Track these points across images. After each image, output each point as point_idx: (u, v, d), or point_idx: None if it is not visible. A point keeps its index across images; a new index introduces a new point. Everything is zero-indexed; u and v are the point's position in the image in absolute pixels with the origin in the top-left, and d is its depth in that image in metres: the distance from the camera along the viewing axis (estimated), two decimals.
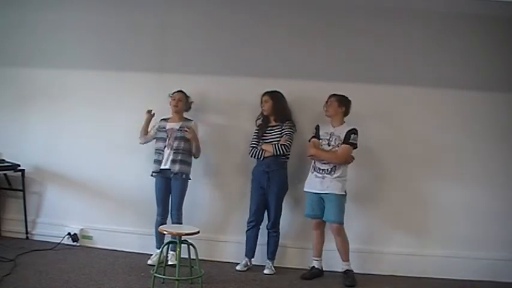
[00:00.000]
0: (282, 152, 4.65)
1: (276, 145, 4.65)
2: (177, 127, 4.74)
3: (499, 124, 4.91)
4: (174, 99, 4.75)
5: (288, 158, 4.75)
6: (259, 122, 4.85)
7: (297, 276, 4.61)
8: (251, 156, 4.76)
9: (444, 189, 4.91)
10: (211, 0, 5.09)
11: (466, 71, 4.90)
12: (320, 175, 4.54)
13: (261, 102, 4.78)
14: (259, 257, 4.84)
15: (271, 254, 4.76)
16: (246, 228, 4.80)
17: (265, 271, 4.69)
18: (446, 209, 4.90)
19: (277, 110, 4.74)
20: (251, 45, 5.06)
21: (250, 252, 4.80)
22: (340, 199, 4.52)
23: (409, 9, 4.89)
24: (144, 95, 5.11)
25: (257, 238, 4.80)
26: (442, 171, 4.93)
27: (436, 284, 4.71)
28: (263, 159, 4.69)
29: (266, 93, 4.77)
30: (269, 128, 4.78)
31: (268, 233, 4.77)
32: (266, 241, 4.79)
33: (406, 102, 4.94)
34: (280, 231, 4.85)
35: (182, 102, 4.78)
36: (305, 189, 4.66)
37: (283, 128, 4.71)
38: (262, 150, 4.70)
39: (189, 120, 4.83)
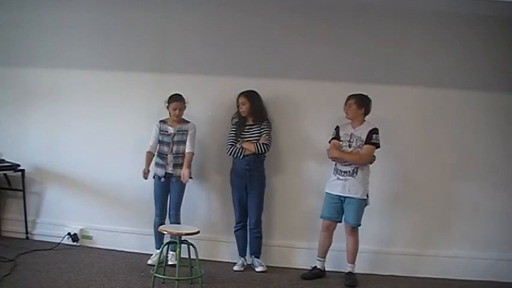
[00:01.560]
0: (264, 150, 4.69)
1: (258, 144, 4.67)
2: (176, 131, 4.74)
3: (498, 122, 4.91)
4: (174, 110, 4.69)
5: (265, 156, 4.79)
6: (235, 120, 4.85)
7: (297, 276, 4.61)
8: (229, 154, 4.75)
9: (444, 189, 4.92)
10: (211, 0, 5.09)
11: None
12: (343, 177, 4.49)
13: (237, 102, 4.78)
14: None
15: (257, 253, 4.79)
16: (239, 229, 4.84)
17: (258, 269, 4.71)
18: (446, 209, 4.90)
19: (255, 111, 4.77)
20: (251, 45, 5.05)
21: (243, 251, 4.84)
22: (361, 203, 4.49)
23: (410, 10, 4.89)
24: (145, 95, 5.11)
25: (246, 236, 4.84)
26: (442, 171, 4.93)
27: (436, 284, 4.72)
28: (243, 157, 4.70)
29: (242, 94, 4.77)
30: (247, 127, 4.79)
31: (252, 232, 4.78)
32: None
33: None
34: (282, 231, 4.91)
35: (182, 110, 4.76)
36: (327, 191, 4.61)
37: (262, 127, 4.75)
38: (243, 148, 4.70)
39: (187, 122, 4.81)
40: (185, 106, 4.79)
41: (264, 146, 4.69)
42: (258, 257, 4.79)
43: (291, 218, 5.00)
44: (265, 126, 4.76)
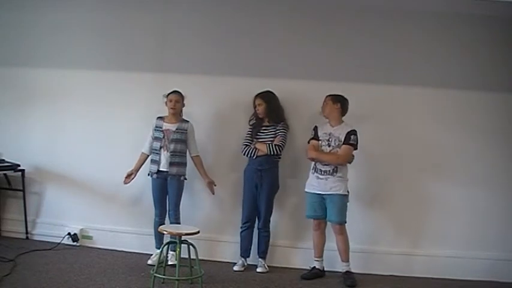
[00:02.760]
0: (276, 152, 4.68)
1: (270, 145, 4.67)
2: (174, 129, 4.72)
3: (499, 124, 4.90)
4: (171, 101, 4.72)
5: (280, 157, 4.78)
6: (253, 121, 4.87)
7: (297, 276, 4.61)
8: (244, 154, 4.77)
9: (444, 189, 4.91)
10: (211, 0, 5.09)
11: (465, 71, 4.90)
12: (322, 176, 4.53)
13: (254, 104, 4.79)
14: (255, 256, 4.86)
15: (263, 253, 4.79)
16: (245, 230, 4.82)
17: (258, 269, 4.71)
18: (446, 209, 4.90)
19: (271, 112, 4.77)
20: (251, 44, 5.05)
21: (246, 252, 4.83)
22: (343, 199, 4.52)
23: (410, 10, 4.90)
24: (145, 95, 5.11)
25: (252, 238, 4.83)
26: (442, 171, 4.93)
27: (436, 284, 4.72)
28: (256, 157, 4.70)
29: (258, 96, 4.78)
30: (263, 128, 4.80)
31: (259, 232, 4.79)
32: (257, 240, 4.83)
33: (407, 103, 4.93)
34: (281, 230, 4.91)
35: (179, 103, 4.76)
36: (306, 190, 4.64)
37: (277, 128, 4.75)
38: (256, 148, 4.71)
39: (186, 121, 4.81)
40: (183, 103, 4.79)
41: (276, 147, 4.68)
42: (264, 258, 4.78)
43: (292, 218, 4.99)
44: (281, 128, 4.75)
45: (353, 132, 4.54)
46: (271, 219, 4.81)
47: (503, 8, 4.53)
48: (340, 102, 4.59)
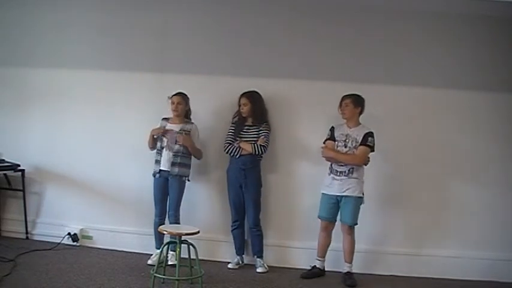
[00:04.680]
0: (261, 152, 4.71)
1: (255, 145, 4.69)
2: (177, 129, 4.73)
3: (498, 122, 4.91)
4: (173, 103, 4.73)
5: (262, 157, 4.80)
6: (235, 119, 4.87)
7: (297, 276, 4.62)
8: (226, 152, 4.78)
9: (444, 190, 4.92)
10: (212, 0, 5.09)
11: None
12: (338, 177, 4.52)
13: (239, 102, 4.80)
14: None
15: (260, 252, 4.81)
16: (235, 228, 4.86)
17: (258, 270, 4.72)
18: (446, 209, 4.91)
19: (256, 113, 4.79)
20: (251, 44, 5.05)
21: (240, 250, 4.86)
22: (358, 201, 4.53)
23: (410, 10, 4.90)
24: (145, 95, 5.11)
25: (244, 234, 4.87)
26: (442, 172, 4.92)
27: (436, 284, 4.72)
28: (239, 156, 4.72)
29: (244, 95, 4.79)
30: (246, 127, 4.82)
31: (251, 232, 4.82)
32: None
33: (406, 103, 4.93)
34: (280, 231, 4.92)
35: (182, 105, 4.75)
36: (323, 192, 4.62)
37: (261, 129, 4.77)
38: (240, 148, 4.72)
39: (190, 122, 4.81)
40: (188, 106, 4.78)
41: (261, 147, 4.70)
42: (261, 257, 4.79)
43: (289, 217, 5.00)
44: (264, 128, 4.77)
45: (370, 134, 4.53)
46: (262, 217, 4.84)
47: (503, 8, 4.52)
48: (361, 106, 4.58)
